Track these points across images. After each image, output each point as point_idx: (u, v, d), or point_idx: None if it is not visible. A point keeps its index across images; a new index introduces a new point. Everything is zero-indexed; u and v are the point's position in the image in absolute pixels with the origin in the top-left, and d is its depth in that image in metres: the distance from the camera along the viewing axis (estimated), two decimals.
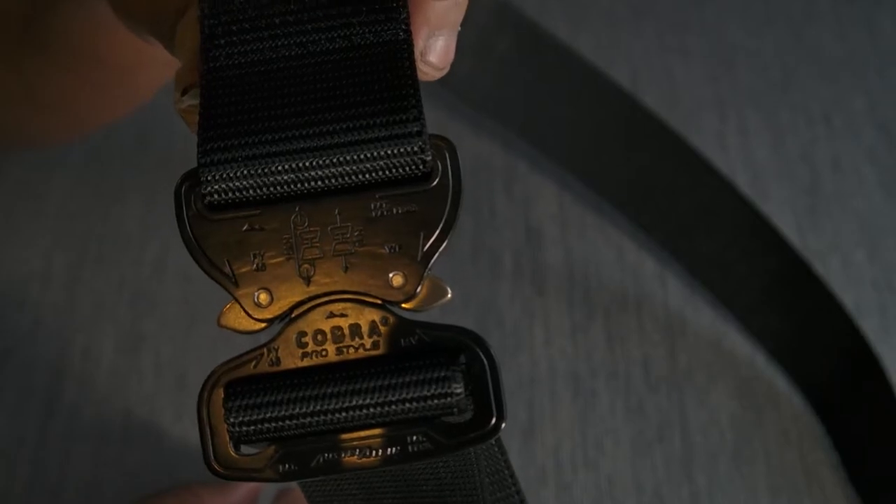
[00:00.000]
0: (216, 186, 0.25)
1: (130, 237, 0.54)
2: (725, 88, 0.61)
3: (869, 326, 0.53)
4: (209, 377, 0.25)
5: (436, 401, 0.24)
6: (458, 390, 0.24)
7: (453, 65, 0.29)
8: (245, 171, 0.25)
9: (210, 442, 0.24)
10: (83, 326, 0.52)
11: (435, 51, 0.28)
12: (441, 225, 0.25)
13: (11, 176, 0.57)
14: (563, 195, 0.57)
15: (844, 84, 0.62)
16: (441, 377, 0.24)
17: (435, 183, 0.25)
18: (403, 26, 0.27)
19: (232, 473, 0.24)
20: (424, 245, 0.25)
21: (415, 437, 0.24)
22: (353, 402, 0.24)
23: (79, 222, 0.55)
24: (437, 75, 0.28)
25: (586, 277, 0.55)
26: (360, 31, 0.26)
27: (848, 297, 0.54)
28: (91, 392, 0.51)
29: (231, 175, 0.25)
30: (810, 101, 0.61)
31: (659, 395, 0.51)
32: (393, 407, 0.24)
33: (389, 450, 0.24)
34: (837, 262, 0.55)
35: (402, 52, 0.26)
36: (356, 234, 0.25)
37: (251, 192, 0.25)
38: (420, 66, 0.28)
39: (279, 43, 0.27)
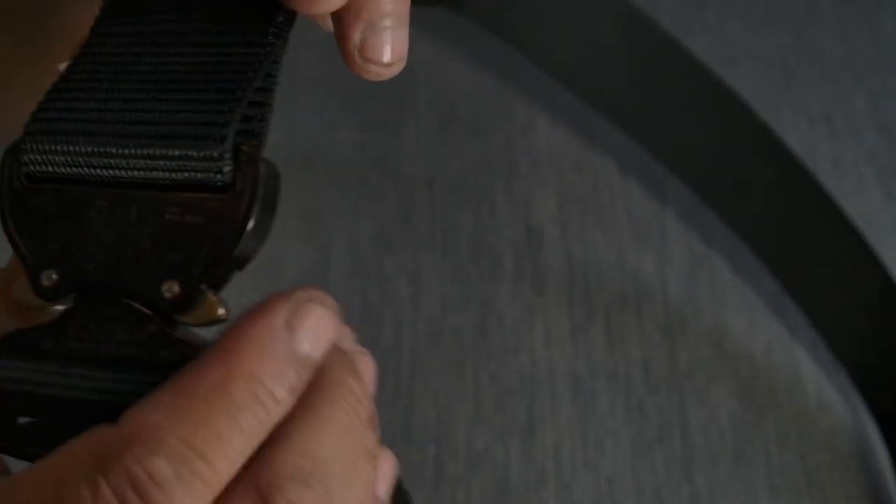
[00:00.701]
0: (31, 156, 0.26)
1: None
2: None
3: None
4: None
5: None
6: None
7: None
8: (55, 146, 0.26)
9: None
10: None
11: (374, 46, 0.26)
12: (226, 244, 0.25)
13: None
14: (563, 195, 0.57)
15: (845, 84, 0.62)
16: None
17: (225, 198, 0.25)
18: (272, 30, 0.27)
19: None
20: (205, 262, 0.25)
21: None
22: (101, 408, 0.24)
23: None
24: (385, 73, 0.27)
25: (586, 277, 0.55)
26: (222, 32, 0.27)
27: None
28: None
29: (44, 147, 0.26)
30: (811, 102, 0.61)
31: (659, 395, 0.51)
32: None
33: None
34: None
35: (252, 56, 0.27)
36: (148, 232, 0.25)
37: (62, 167, 0.26)
38: (359, 62, 0.27)
39: (146, 36, 0.28)
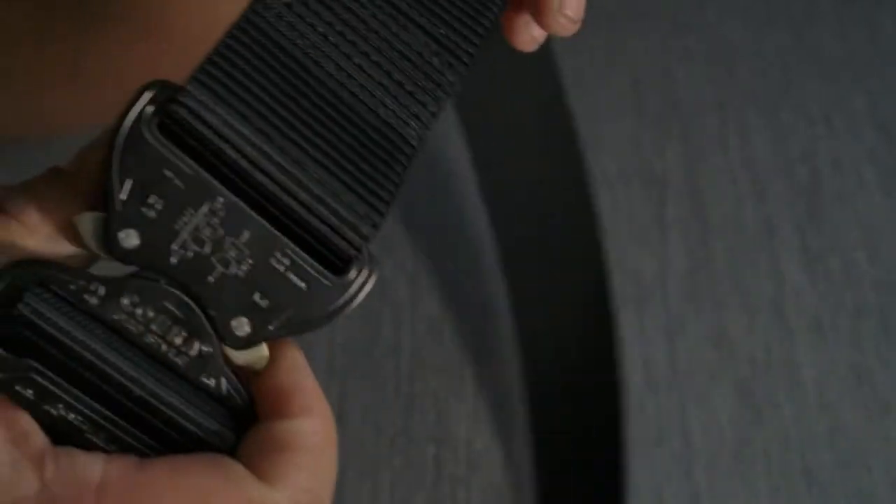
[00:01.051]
0: (188, 106, 0.24)
1: None
2: (726, 89, 0.61)
3: (869, 326, 0.53)
4: (26, 261, 0.23)
5: (190, 444, 0.24)
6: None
7: None
8: (222, 115, 0.24)
9: None
10: None
11: (570, 4, 0.29)
12: (310, 318, 0.25)
13: (12, 177, 0.57)
14: None
15: (845, 84, 0.62)
16: (209, 430, 0.24)
17: (336, 284, 0.25)
18: (430, 126, 0.26)
19: None
20: (286, 320, 0.25)
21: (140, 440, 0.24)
22: (128, 393, 0.24)
23: None
24: (573, 28, 0.29)
25: None
26: (389, 102, 0.26)
27: (848, 296, 0.54)
28: None
29: (208, 106, 0.24)
30: (811, 102, 0.61)
31: (659, 395, 0.51)
32: (155, 424, 0.24)
33: (114, 449, 0.24)
34: (837, 262, 0.55)
35: (410, 141, 0.26)
36: (247, 263, 0.24)
37: (207, 139, 0.24)
38: (558, 19, 0.29)
39: (326, 50, 0.26)
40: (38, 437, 0.23)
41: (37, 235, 0.24)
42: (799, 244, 0.55)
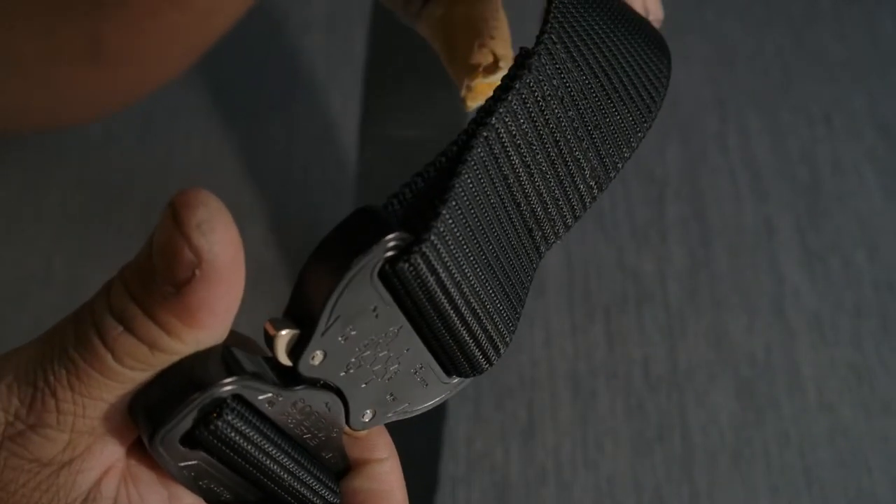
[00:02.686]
0: (414, 267, 0.24)
1: (130, 237, 0.54)
2: (726, 89, 0.62)
3: (868, 326, 0.53)
4: (229, 381, 0.24)
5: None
6: None
7: None
8: (439, 279, 0.25)
9: (175, 420, 0.24)
10: None
11: (654, 10, 0.32)
12: (419, 407, 0.27)
13: (12, 177, 0.57)
14: None
15: (845, 85, 0.62)
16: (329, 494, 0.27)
17: (448, 382, 0.27)
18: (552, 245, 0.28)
19: (158, 452, 0.24)
20: (400, 410, 0.27)
21: None
22: (277, 478, 0.26)
23: (79, 222, 0.55)
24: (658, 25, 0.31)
25: (586, 278, 0.55)
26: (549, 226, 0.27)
27: (848, 296, 0.54)
28: None
29: (434, 271, 0.25)
30: (811, 102, 0.61)
31: (659, 395, 0.51)
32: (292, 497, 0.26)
33: None
34: (837, 262, 0.55)
35: (536, 267, 0.28)
36: (393, 371, 0.26)
37: (418, 296, 0.25)
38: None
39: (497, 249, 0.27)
40: (189, 497, 0.25)
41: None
42: (799, 244, 0.55)
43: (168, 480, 0.25)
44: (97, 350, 0.23)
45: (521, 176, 0.26)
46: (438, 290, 0.25)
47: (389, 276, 0.25)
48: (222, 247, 0.23)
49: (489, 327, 0.26)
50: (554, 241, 0.27)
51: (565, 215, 0.27)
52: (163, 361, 0.24)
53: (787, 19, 0.64)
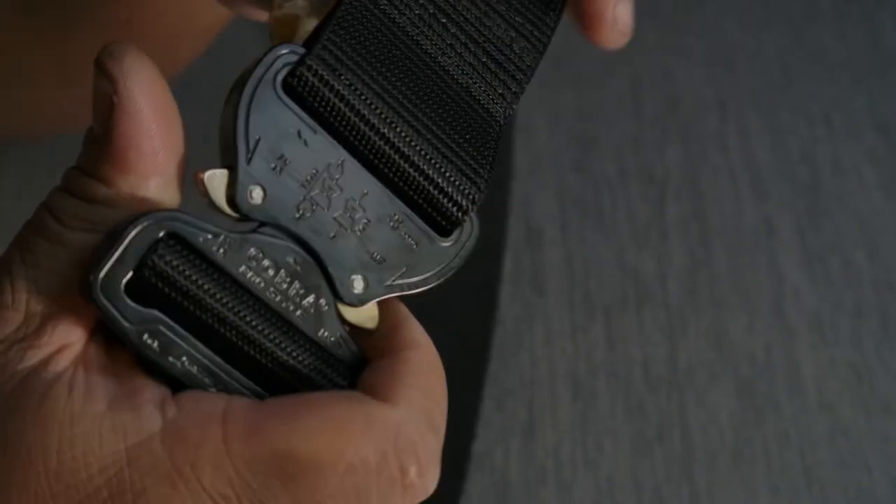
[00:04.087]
0: (315, 70, 0.24)
1: None
2: (726, 89, 0.62)
3: (869, 326, 0.53)
4: (162, 210, 0.23)
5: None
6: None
7: None
8: (346, 79, 0.24)
9: (111, 261, 0.22)
10: None
11: (622, 18, 0.30)
12: (421, 277, 0.26)
13: (11, 176, 0.57)
14: (563, 195, 0.57)
15: (845, 84, 0.62)
16: (328, 379, 0.25)
17: (443, 244, 0.26)
18: (513, 107, 0.28)
19: (101, 303, 0.22)
20: (398, 278, 0.26)
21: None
22: (253, 343, 0.24)
23: None
24: (624, 41, 0.30)
25: (586, 277, 0.55)
26: (479, 81, 0.27)
27: (848, 296, 0.54)
28: None
29: (335, 71, 0.25)
30: (811, 102, 0.61)
31: (659, 395, 0.51)
32: (278, 375, 0.24)
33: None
34: (837, 262, 0.55)
35: (498, 118, 0.28)
36: (363, 222, 0.25)
37: (332, 102, 0.24)
38: (611, 35, 0.29)
39: (423, 27, 0.27)
40: (156, 388, 0.24)
41: (149, 185, 0.24)
42: (799, 244, 0.55)
43: (126, 371, 0.24)
44: (42, 217, 0.24)
45: (416, 24, 0.27)
46: (348, 95, 0.25)
47: (296, 90, 0.24)
48: (135, 69, 0.23)
49: (431, 157, 0.25)
50: (493, 98, 0.27)
51: (486, 72, 0.27)
52: (102, 217, 0.24)
53: (787, 19, 0.64)
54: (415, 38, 0.27)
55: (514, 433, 0.50)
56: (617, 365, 0.52)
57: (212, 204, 0.24)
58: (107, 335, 0.24)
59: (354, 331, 0.26)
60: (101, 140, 0.24)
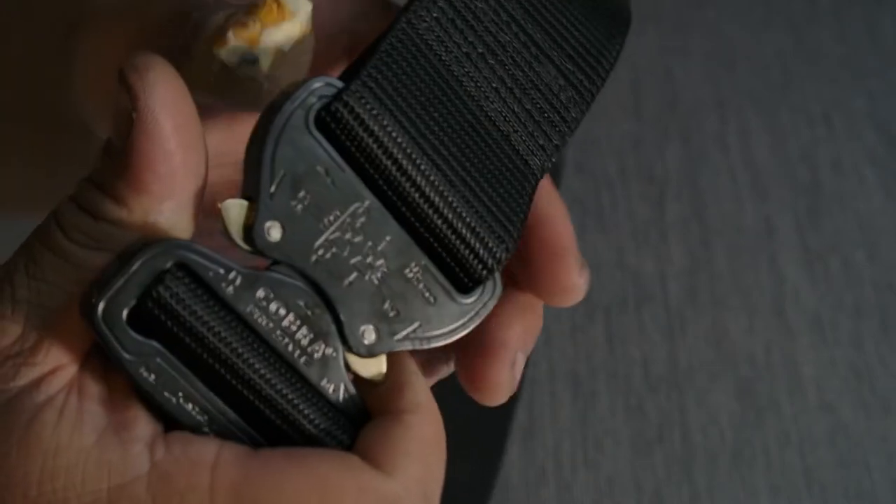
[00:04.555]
0: (351, 107, 0.23)
1: None
2: (726, 89, 0.62)
3: (869, 327, 0.53)
4: (173, 240, 0.22)
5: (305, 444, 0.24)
6: None
7: None
8: (382, 120, 0.23)
9: (115, 288, 0.22)
10: None
11: (518, 370, 0.27)
12: (436, 333, 0.25)
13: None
14: (563, 195, 0.57)
15: (845, 85, 0.62)
16: (326, 432, 0.24)
17: (462, 301, 0.25)
18: (552, 160, 0.26)
19: (100, 329, 0.22)
20: (412, 332, 0.24)
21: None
22: (251, 386, 0.23)
23: None
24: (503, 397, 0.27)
25: None
26: (520, 130, 0.26)
27: (848, 296, 0.54)
28: None
29: (372, 110, 0.23)
30: (811, 102, 0.61)
31: (659, 394, 0.51)
32: (274, 423, 0.23)
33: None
34: (837, 262, 0.55)
35: (535, 171, 0.26)
36: (381, 271, 0.24)
37: (365, 143, 0.23)
38: (497, 396, 0.27)
39: (468, 68, 0.26)
40: (149, 424, 0.23)
41: (163, 209, 0.23)
42: (799, 244, 0.55)
43: (121, 400, 0.23)
44: (49, 228, 0.23)
45: (462, 65, 0.25)
46: (383, 137, 0.23)
47: (329, 126, 0.23)
48: (159, 84, 0.22)
49: (461, 210, 0.24)
50: (537, 152, 0.26)
51: (531, 126, 0.26)
52: (108, 236, 0.23)
53: (787, 19, 0.64)
54: (459, 77, 0.25)
55: (514, 433, 0.50)
56: (617, 365, 0.52)
57: (227, 235, 0.23)
58: (103, 359, 0.23)
59: (360, 382, 0.25)
60: (118, 155, 0.23)
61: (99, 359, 0.23)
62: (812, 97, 0.61)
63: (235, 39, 0.24)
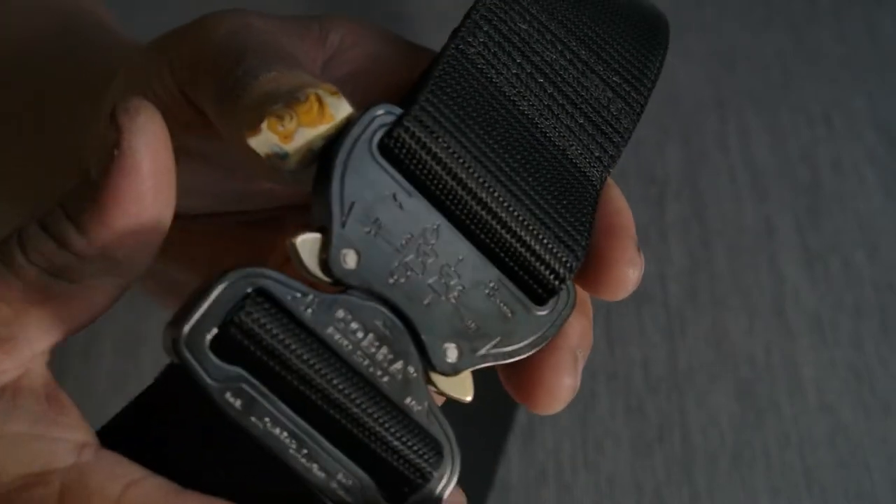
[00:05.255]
0: (412, 132, 0.24)
1: None
2: (726, 89, 0.61)
3: (869, 326, 0.53)
4: (250, 267, 0.22)
5: (395, 473, 0.24)
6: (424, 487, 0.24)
7: None
8: (444, 142, 0.24)
9: (198, 315, 0.22)
10: None
11: (580, 370, 0.28)
12: (516, 346, 0.25)
13: None
14: None
15: (844, 84, 0.62)
16: (417, 465, 0.24)
17: (538, 313, 0.25)
18: (609, 171, 0.27)
19: (185, 358, 0.22)
20: (493, 348, 0.25)
21: (344, 479, 0.23)
22: (339, 408, 0.23)
23: None
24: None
25: None
26: (576, 144, 0.26)
27: (848, 296, 0.54)
28: (91, 392, 0.51)
29: (433, 133, 0.24)
30: (810, 102, 0.61)
31: (659, 395, 0.51)
32: (362, 442, 0.23)
33: (315, 468, 0.23)
34: (837, 262, 0.55)
35: (595, 182, 0.27)
36: (458, 289, 0.24)
37: (429, 166, 0.24)
38: (550, 403, 0.27)
39: (519, 88, 0.26)
40: (83, 431, 0.23)
41: None
42: (799, 244, 0.55)
43: (61, 406, 0.24)
44: (9, 242, 0.24)
45: (513, 84, 0.26)
46: (446, 158, 0.24)
47: (392, 152, 0.24)
48: (146, 129, 0.23)
49: (528, 223, 0.25)
50: (590, 161, 0.26)
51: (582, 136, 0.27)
52: (64, 265, 0.23)
53: (787, 19, 0.64)
54: (512, 98, 0.26)
55: (514, 433, 0.50)
56: (617, 365, 0.52)
57: (304, 269, 0.23)
58: (47, 372, 0.24)
59: (447, 402, 0.25)
60: (92, 187, 0.23)
61: (49, 369, 0.24)
62: (812, 97, 0.61)
63: (268, 132, 0.24)
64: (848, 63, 0.63)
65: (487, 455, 0.49)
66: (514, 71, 0.26)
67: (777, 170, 0.58)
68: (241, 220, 0.33)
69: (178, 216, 0.33)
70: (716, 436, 0.50)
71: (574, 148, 0.26)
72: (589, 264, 0.27)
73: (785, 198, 0.57)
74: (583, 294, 0.27)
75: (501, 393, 0.46)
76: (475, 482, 0.48)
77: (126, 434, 0.24)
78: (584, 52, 0.27)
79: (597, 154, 0.27)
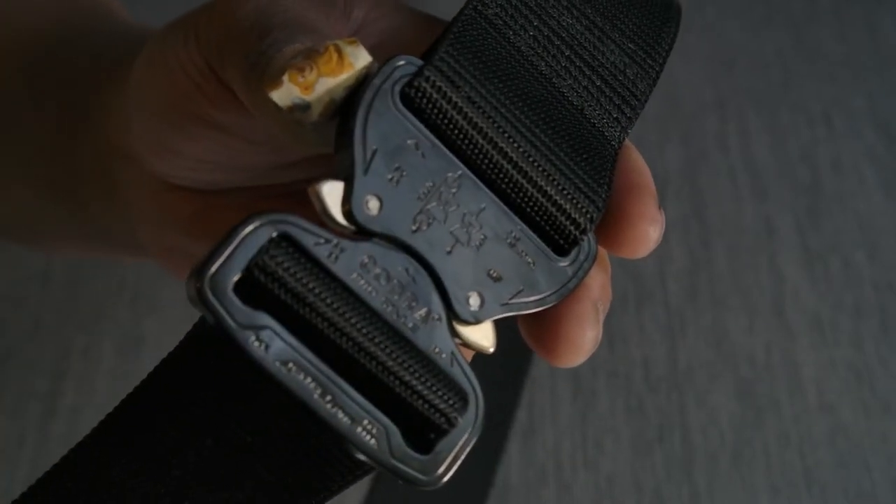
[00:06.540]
0: (434, 81, 0.24)
1: None
2: (726, 89, 0.62)
3: (869, 326, 0.53)
4: (271, 214, 0.22)
5: (421, 419, 0.23)
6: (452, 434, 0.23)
7: None
8: (465, 92, 0.24)
9: (222, 258, 0.22)
10: (83, 326, 0.52)
11: (600, 323, 0.27)
12: (539, 296, 0.25)
13: None
14: None
15: (845, 84, 0.62)
16: (444, 411, 0.23)
17: (560, 264, 0.25)
18: (627, 132, 0.27)
19: (209, 301, 0.22)
20: (515, 297, 0.25)
21: (369, 425, 0.23)
22: (365, 352, 0.23)
23: None
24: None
25: None
26: (593, 104, 0.27)
27: (848, 296, 0.54)
28: (91, 392, 0.51)
29: (454, 83, 0.24)
30: (810, 102, 0.61)
31: (659, 395, 0.51)
32: (387, 388, 0.23)
33: (340, 414, 0.23)
34: (837, 262, 0.55)
35: (613, 142, 0.27)
36: (479, 238, 0.24)
37: (451, 115, 0.24)
38: (573, 357, 0.27)
39: (537, 49, 0.27)
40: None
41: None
42: (799, 244, 0.55)
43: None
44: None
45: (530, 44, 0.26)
46: (468, 108, 0.24)
47: (414, 102, 0.24)
48: None
49: (550, 173, 0.25)
50: (607, 121, 0.27)
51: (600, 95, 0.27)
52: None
53: (787, 19, 0.64)
54: (530, 58, 0.26)
55: (514, 433, 0.50)
56: (617, 365, 0.52)
57: (327, 215, 0.23)
58: None
59: (468, 351, 0.25)
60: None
61: None
62: (812, 97, 0.61)
63: (289, 83, 0.24)
64: (848, 62, 0.63)
65: (487, 455, 0.49)
66: (532, 33, 0.27)
67: (777, 170, 0.58)
68: (270, 194, 0.33)
69: (206, 191, 0.33)
70: (716, 435, 0.50)
71: (592, 108, 0.27)
72: (609, 222, 0.27)
73: (785, 198, 0.57)
74: (601, 251, 0.27)
75: (501, 392, 0.46)
76: (475, 482, 0.48)
77: (154, 391, 0.24)
78: (599, 20, 0.28)
79: (615, 115, 0.27)
